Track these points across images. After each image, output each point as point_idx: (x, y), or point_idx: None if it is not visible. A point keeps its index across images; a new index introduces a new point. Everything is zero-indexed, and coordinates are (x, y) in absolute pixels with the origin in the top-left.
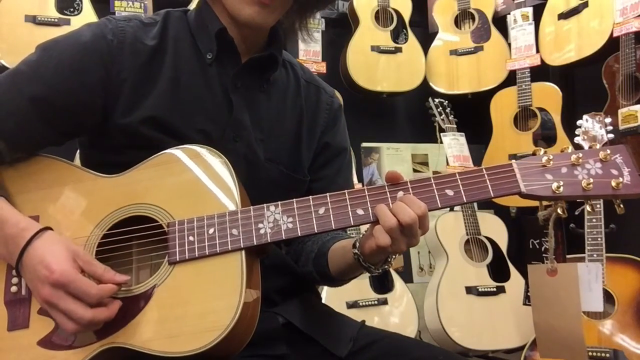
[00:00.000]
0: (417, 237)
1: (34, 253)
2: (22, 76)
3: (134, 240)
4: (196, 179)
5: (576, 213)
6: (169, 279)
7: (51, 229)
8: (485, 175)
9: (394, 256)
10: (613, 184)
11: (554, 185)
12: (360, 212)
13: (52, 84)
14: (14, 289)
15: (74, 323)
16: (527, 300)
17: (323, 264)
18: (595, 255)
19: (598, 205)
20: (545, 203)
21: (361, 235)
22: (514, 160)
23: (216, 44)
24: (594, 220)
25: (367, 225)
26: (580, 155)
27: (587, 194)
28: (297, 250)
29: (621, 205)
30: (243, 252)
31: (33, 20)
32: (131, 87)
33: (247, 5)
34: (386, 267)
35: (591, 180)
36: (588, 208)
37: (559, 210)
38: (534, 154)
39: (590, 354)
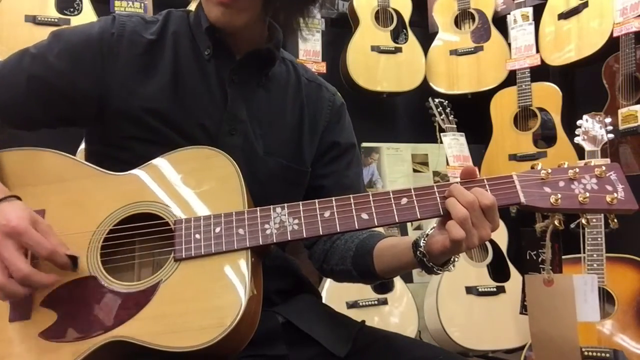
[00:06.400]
0: (487, 228)
1: None
2: (28, 56)
3: (138, 237)
4: (204, 179)
5: (572, 226)
6: (175, 275)
7: (20, 199)
8: (487, 186)
9: (457, 257)
10: (608, 199)
11: (552, 198)
12: (364, 216)
13: (52, 67)
14: None
15: (7, 275)
16: (523, 309)
17: (367, 263)
18: (595, 255)
19: None
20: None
21: (425, 235)
22: (514, 172)
23: (210, 40)
24: (594, 220)
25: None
26: (577, 170)
27: (584, 207)
28: (325, 249)
29: (615, 220)
30: (249, 251)
31: (33, 20)
32: (127, 75)
33: (213, 6)
34: (450, 267)
35: (587, 194)
36: (584, 221)
37: (556, 222)
38: (532, 167)
39: (590, 354)
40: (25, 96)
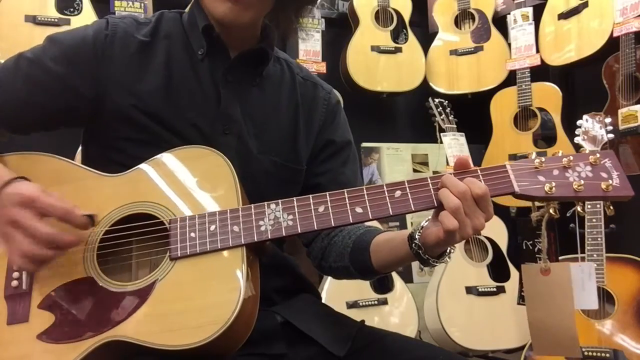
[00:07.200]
0: (480, 218)
1: (11, 190)
2: (25, 60)
3: (135, 238)
4: (198, 178)
5: (571, 225)
6: (170, 274)
7: (28, 179)
8: (481, 176)
9: (452, 249)
10: (603, 186)
11: (547, 186)
12: (359, 210)
13: (48, 71)
14: (14, 283)
15: (32, 242)
16: (521, 299)
17: (364, 259)
18: (595, 255)
19: (598, 205)
20: (537, 204)
21: (420, 227)
22: (507, 162)
23: (205, 40)
24: (594, 220)
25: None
26: (571, 158)
27: (579, 195)
28: (323, 246)
29: (611, 207)
30: (244, 248)
31: (33, 20)
32: (121, 76)
33: (219, 2)
34: (446, 259)
35: (582, 182)
36: (579, 209)
37: (552, 211)
38: (526, 157)
39: (590, 354)
40: (23, 100)
